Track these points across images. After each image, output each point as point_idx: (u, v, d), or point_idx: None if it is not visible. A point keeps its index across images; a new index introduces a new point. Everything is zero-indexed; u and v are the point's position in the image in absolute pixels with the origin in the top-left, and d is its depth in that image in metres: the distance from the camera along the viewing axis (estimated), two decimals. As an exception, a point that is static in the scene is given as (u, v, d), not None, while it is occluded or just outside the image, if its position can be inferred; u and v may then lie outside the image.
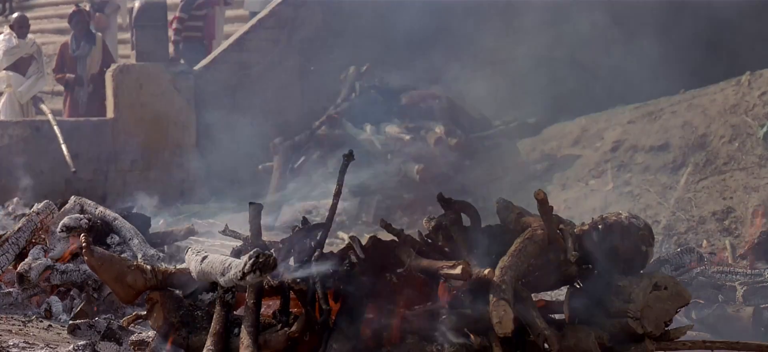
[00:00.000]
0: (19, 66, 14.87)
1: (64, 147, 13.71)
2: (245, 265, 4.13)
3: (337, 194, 4.79)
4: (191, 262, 4.64)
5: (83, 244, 4.66)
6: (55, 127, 13.95)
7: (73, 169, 13.61)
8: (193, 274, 4.57)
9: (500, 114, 13.78)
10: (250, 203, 4.90)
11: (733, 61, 13.06)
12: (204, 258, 4.54)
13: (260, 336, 4.49)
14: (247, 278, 4.13)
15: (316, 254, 4.68)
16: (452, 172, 12.46)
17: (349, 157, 4.79)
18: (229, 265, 4.28)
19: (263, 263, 4.07)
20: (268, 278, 4.64)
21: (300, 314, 4.54)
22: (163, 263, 5.06)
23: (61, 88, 15.54)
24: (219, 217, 13.63)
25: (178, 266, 4.98)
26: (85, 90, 14.91)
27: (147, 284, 4.74)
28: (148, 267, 4.79)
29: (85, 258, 4.69)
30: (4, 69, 14.82)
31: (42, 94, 15.30)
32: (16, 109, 14.75)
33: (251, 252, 4.20)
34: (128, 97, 14.59)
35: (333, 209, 4.82)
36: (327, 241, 4.85)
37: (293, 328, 4.48)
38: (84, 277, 7.78)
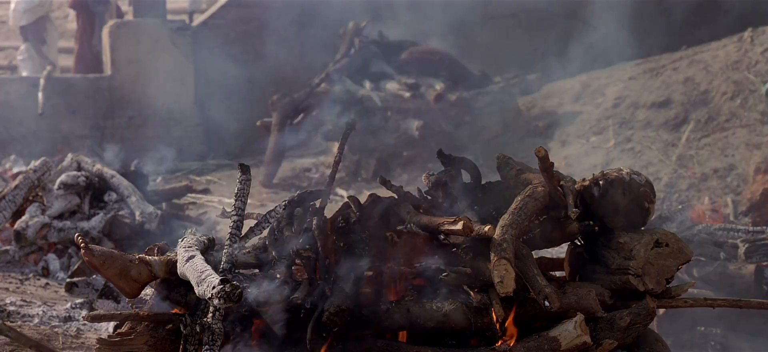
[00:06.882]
0: (38, 23, 14.85)
1: (40, 94, 13.78)
2: (214, 288, 4.03)
3: (337, 162, 4.72)
4: (179, 257, 4.53)
5: (81, 244, 4.53)
6: (41, 80, 13.98)
7: (40, 112, 13.71)
8: (179, 270, 4.49)
9: (500, 70, 13.70)
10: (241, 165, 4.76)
11: (735, 18, 12.97)
12: (189, 258, 4.41)
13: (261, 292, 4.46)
14: (214, 301, 4.04)
15: (316, 221, 4.63)
16: (452, 129, 12.39)
17: (351, 127, 4.71)
18: (204, 278, 4.17)
19: (229, 294, 4.00)
20: (272, 252, 4.60)
21: (303, 281, 4.51)
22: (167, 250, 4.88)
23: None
24: (216, 173, 13.60)
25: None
26: (99, 42, 14.88)
27: (153, 274, 4.61)
28: (154, 258, 4.65)
29: (85, 259, 4.55)
30: (42, 55, 14.87)
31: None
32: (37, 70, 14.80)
33: (220, 279, 4.07)
34: (125, 53, 14.50)
35: (332, 175, 4.76)
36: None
37: (296, 294, 4.44)
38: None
